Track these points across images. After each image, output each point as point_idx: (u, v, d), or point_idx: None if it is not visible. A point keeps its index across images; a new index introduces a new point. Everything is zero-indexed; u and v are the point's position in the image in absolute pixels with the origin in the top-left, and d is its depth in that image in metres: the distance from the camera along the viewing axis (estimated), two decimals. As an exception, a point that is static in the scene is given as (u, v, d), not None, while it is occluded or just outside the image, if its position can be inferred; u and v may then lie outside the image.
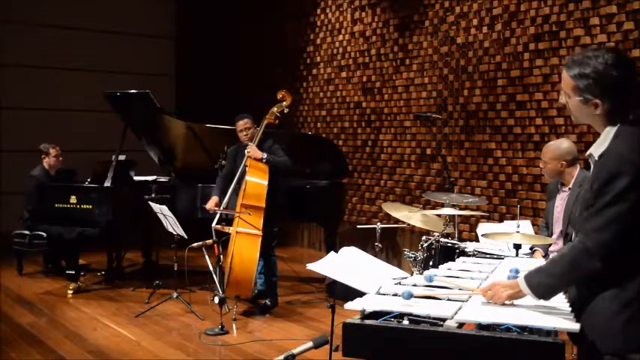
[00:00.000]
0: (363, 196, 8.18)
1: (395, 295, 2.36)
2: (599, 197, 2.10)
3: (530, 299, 2.20)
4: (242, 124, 5.87)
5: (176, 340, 5.13)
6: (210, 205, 5.84)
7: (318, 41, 8.86)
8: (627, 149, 2.11)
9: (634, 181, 2.06)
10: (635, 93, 2.19)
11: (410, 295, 2.20)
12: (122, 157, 7.00)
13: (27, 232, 6.96)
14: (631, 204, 2.06)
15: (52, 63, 9.92)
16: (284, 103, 5.97)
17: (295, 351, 2.25)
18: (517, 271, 2.40)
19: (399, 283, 2.53)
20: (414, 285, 2.51)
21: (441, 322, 2.03)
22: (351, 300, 2.23)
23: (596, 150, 2.22)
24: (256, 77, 9.66)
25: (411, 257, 5.09)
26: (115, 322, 5.61)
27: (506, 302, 2.23)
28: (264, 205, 5.57)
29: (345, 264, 3.12)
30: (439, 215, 5.36)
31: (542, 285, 2.17)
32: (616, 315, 2.11)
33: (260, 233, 5.54)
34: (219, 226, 5.60)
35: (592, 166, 2.27)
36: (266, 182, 5.60)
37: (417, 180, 7.44)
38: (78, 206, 6.48)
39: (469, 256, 4.40)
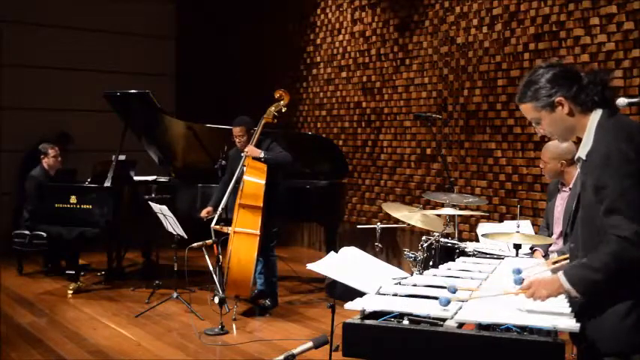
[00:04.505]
0: (363, 196, 8.17)
1: (395, 295, 2.35)
2: (606, 185, 2.12)
3: (528, 299, 2.20)
4: (236, 131, 5.84)
5: (176, 340, 5.13)
6: (203, 213, 5.89)
7: (318, 41, 8.86)
8: (612, 137, 2.18)
9: (627, 164, 2.11)
10: (582, 79, 2.29)
11: (454, 291, 2.17)
12: (122, 157, 7.00)
13: (27, 232, 6.96)
14: (637, 182, 2.10)
15: (52, 63, 9.91)
16: (282, 102, 5.97)
17: (295, 351, 2.25)
18: (519, 271, 2.37)
19: (399, 283, 2.53)
20: (414, 285, 2.51)
21: (441, 322, 2.03)
22: (351, 300, 2.22)
23: (583, 150, 2.27)
24: (256, 77, 9.66)
25: (411, 257, 5.09)
26: (115, 322, 5.61)
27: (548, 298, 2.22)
28: (261, 205, 5.56)
29: (345, 264, 3.12)
30: (439, 215, 5.36)
31: (584, 280, 2.16)
32: (623, 318, 2.13)
33: (258, 233, 5.53)
34: (217, 227, 5.60)
35: (580, 168, 2.31)
36: (263, 182, 5.59)
37: (417, 180, 7.44)
38: (78, 206, 6.48)
39: (469, 256, 4.40)
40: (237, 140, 5.88)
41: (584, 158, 2.25)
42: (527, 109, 2.36)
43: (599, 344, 2.18)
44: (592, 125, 2.26)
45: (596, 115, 2.27)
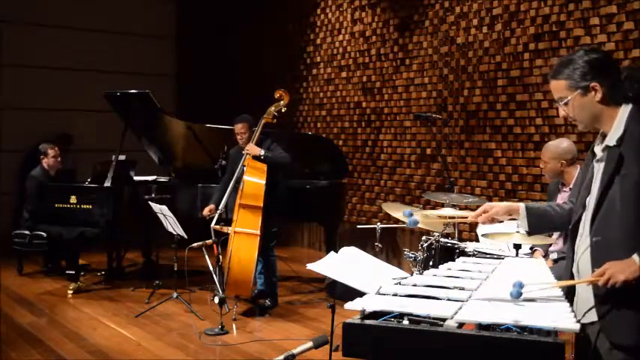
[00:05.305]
0: (363, 196, 8.18)
1: (395, 295, 2.35)
2: None
3: (532, 301, 2.20)
4: (238, 127, 5.87)
5: (176, 340, 5.13)
6: (205, 212, 5.89)
7: (318, 41, 8.86)
8: None
9: None
10: (620, 72, 2.30)
11: (519, 294, 2.12)
12: (122, 157, 7.01)
13: (27, 232, 6.96)
14: None
15: (52, 63, 9.92)
16: (282, 102, 5.97)
17: (295, 351, 2.25)
18: (521, 286, 2.20)
19: (399, 283, 2.53)
20: (414, 285, 2.51)
21: (441, 322, 2.02)
22: (351, 300, 2.22)
23: (611, 138, 2.25)
24: (256, 77, 9.66)
25: (411, 257, 5.09)
26: (115, 322, 5.61)
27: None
28: (261, 205, 5.56)
29: (345, 264, 3.12)
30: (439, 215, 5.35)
31: None
32: None
33: (258, 233, 5.54)
34: (217, 227, 5.60)
35: (606, 156, 2.28)
36: (264, 182, 5.60)
37: (417, 180, 7.44)
38: (78, 206, 6.48)
39: (469, 256, 4.40)
40: (239, 137, 5.89)
41: (613, 144, 2.24)
42: (558, 86, 2.33)
43: (612, 336, 2.20)
44: (623, 116, 2.26)
45: (627, 108, 2.27)
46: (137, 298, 6.30)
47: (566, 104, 2.32)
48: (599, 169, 2.33)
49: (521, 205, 2.56)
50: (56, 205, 6.54)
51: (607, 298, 2.22)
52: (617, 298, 2.19)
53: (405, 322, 2.07)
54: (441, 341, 1.98)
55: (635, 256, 2.16)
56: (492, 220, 2.57)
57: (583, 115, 2.32)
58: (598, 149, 2.35)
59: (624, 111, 2.27)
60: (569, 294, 2.39)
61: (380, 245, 5.91)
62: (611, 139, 2.25)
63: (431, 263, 4.76)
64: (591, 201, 2.34)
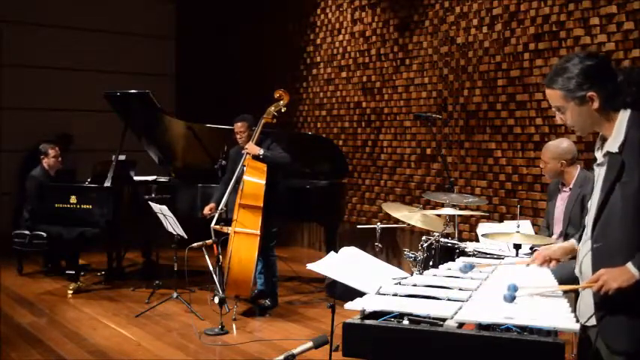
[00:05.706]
0: (363, 196, 8.18)
1: (395, 295, 2.35)
2: None
3: (528, 299, 2.20)
4: (238, 126, 5.87)
5: (176, 340, 5.13)
6: (205, 210, 5.89)
7: (318, 41, 8.86)
8: None
9: None
10: (617, 77, 2.26)
11: (512, 298, 2.14)
12: (122, 157, 7.00)
13: (27, 232, 6.96)
14: None
15: (52, 63, 9.92)
16: (281, 102, 5.97)
17: (295, 351, 2.25)
18: (515, 289, 2.24)
19: (399, 283, 2.53)
20: (414, 285, 2.51)
21: (441, 322, 2.03)
22: (351, 300, 2.22)
23: (613, 144, 2.23)
24: (256, 77, 9.66)
25: (411, 257, 5.09)
26: (115, 322, 5.61)
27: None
28: (261, 205, 5.56)
29: (345, 264, 3.12)
30: (439, 215, 5.36)
31: None
32: None
33: (258, 233, 5.53)
34: (217, 227, 5.60)
35: (607, 162, 2.26)
36: (263, 182, 5.59)
37: (417, 180, 7.44)
38: (78, 206, 6.48)
39: (469, 256, 4.40)
40: (238, 136, 5.89)
41: (615, 151, 2.22)
42: (553, 96, 2.30)
43: (608, 340, 2.19)
44: (622, 121, 2.23)
45: (626, 113, 2.25)
46: (137, 298, 6.30)
47: (563, 113, 2.31)
48: (599, 173, 2.33)
49: (574, 242, 2.60)
50: (56, 205, 6.53)
51: (603, 303, 2.23)
52: (611, 305, 2.20)
53: (405, 322, 2.07)
54: (441, 341, 1.98)
55: (629, 265, 2.16)
56: (550, 261, 2.59)
57: (580, 123, 2.31)
58: (599, 154, 2.34)
59: (623, 116, 2.24)
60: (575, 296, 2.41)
61: (380, 245, 5.92)
62: (613, 146, 2.23)
63: (431, 263, 4.76)
64: (592, 206, 2.34)
